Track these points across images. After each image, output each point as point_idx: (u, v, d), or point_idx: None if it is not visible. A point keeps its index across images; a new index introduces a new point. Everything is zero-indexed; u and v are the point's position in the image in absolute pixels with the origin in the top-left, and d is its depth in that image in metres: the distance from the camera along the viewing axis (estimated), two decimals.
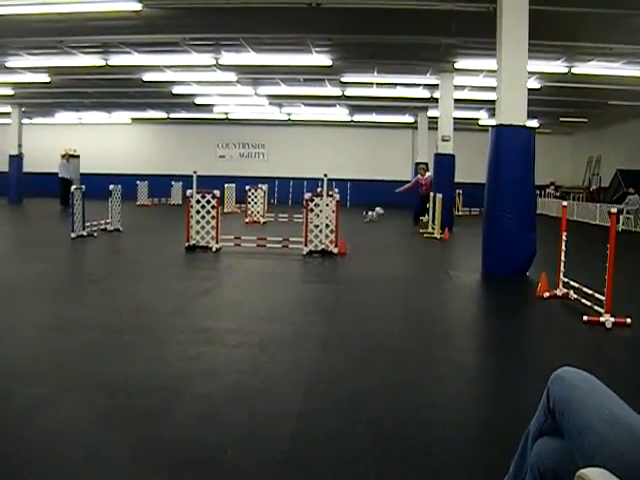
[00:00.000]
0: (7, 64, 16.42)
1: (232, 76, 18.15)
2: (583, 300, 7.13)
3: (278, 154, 31.24)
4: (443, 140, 18.23)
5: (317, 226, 11.81)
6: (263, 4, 11.18)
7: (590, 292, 7.09)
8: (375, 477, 3.00)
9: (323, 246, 11.65)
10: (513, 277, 9.34)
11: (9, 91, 21.38)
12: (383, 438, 3.47)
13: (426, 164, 22.83)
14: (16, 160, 26.15)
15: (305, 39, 13.79)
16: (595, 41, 12.86)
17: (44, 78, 18.30)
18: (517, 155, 9.44)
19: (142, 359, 4.87)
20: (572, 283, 7.67)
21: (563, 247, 7.77)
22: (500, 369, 5.05)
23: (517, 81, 9.57)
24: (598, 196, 25.62)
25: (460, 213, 24.37)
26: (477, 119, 25.29)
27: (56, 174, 23.67)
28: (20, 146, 26.26)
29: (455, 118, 18.72)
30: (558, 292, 7.74)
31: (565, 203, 8.78)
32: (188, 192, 11.98)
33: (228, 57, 15.48)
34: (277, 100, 23.83)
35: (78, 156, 30.30)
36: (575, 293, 7.52)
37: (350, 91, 20.59)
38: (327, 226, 11.74)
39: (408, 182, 20.13)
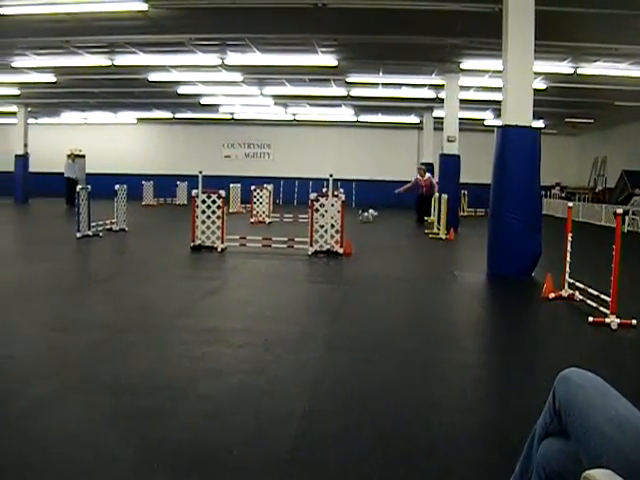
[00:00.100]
0: (13, 64, 16.46)
1: (238, 76, 18.17)
2: (588, 301, 7.11)
3: (283, 154, 31.24)
4: (448, 140, 18.22)
5: (322, 226, 11.80)
6: (269, 4, 11.18)
7: (596, 293, 7.08)
8: (379, 477, 3.01)
9: (328, 246, 11.64)
10: (518, 278, 9.32)
11: (15, 91, 21.43)
12: (388, 438, 3.47)
13: (431, 164, 22.88)
14: (22, 160, 26.18)
15: (311, 39, 13.79)
16: (601, 42, 12.84)
17: (50, 78, 18.35)
18: (523, 156, 9.42)
19: (147, 359, 4.88)
20: (578, 284, 7.65)
21: (569, 248, 7.75)
22: (505, 370, 5.05)
23: (523, 82, 9.55)
24: (604, 197, 25.55)
25: (465, 213, 24.30)
26: (482, 120, 25.25)
27: (62, 174, 23.76)
28: (26, 146, 26.31)
29: (460, 118, 18.71)
30: (563, 293, 7.72)
31: (571, 204, 8.75)
32: (194, 192, 11.98)
33: (234, 57, 15.49)
34: (283, 100, 23.84)
35: (84, 156, 30.31)
36: (581, 294, 7.50)
37: (355, 91, 20.59)
38: (332, 226, 11.73)
39: (409, 182, 20.08)
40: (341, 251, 11.53)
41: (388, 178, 27.89)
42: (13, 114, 26.22)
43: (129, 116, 29.39)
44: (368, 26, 12.48)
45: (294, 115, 27.87)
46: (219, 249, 11.63)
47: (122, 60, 15.80)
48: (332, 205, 11.79)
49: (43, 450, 3.17)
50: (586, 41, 12.85)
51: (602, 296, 6.81)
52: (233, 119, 28.90)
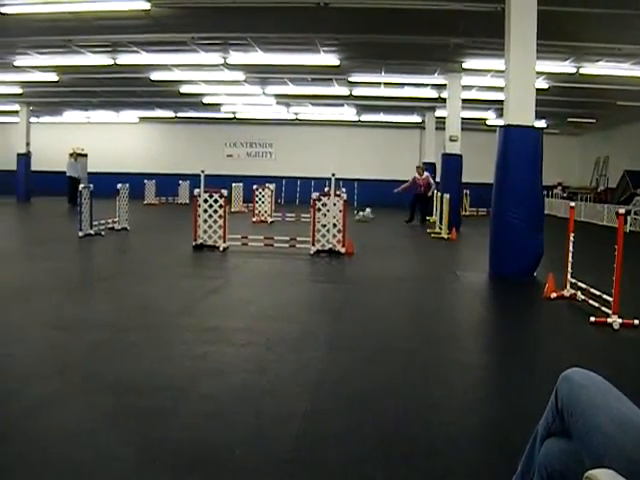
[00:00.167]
0: (15, 63, 16.46)
1: (240, 75, 18.15)
2: (590, 301, 7.11)
3: (285, 154, 31.23)
4: (451, 140, 18.20)
5: (324, 226, 11.80)
6: (271, 4, 11.17)
7: (597, 293, 7.07)
8: (381, 477, 3.00)
9: (330, 246, 11.65)
10: (520, 278, 9.31)
11: (17, 90, 21.43)
12: (389, 438, 3.47)
13: (433, 164, 22.86)
14: (24, 159, 26.19)
15: (313, 39, 13.79)
16: (604, 41, 12.81)
17: (52, 77, 18.34)
18: (525, 155, 9.41)
19: (149, 358, 4.88)
20: (579, 284, 7.65)
21: (571, 248, 7.75)
22: (507, 369, 5.04)
23: (525, 81, 9.54)
24: (606, 197, 25.52)
25: (467, 213, 24.31)
26: (485, 119, 25.22)
27: (64, 173, 23.81)
28: (28, 145, 26.31)
29: (463, 118, 18.69)
30: (565, 293, 7.72)
31: (573, 204, 8.76)
32: (196, 191, 11.99)
33: (236, 56, 15.48)
34: (285, 100, 23.81)
35: (86, 155, 30.31)
36: (582, 294, 7.50)
37: (358, 91, 20.56)
38: (334, 226, 11.73)
39: (406, 181, 20.03)
40: (343, 250, 11.53)
41: (390, 177, 27.85)
42: (15, 113, 26.22)
43: (131, 115, 29.38)
44: (370, 25, 12.47)
45: (296, 114, 27.85)
46: (221, 248, 11.63)
47: (124, 59, 15.79)
48: (334, 204, 11.79)
49: (43, 450, 3.17)
50: (588, 41, 12.83)
51: (604, 296, 6.80)
52: (235, 118, 28.89)
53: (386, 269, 10.21)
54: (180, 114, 28.11)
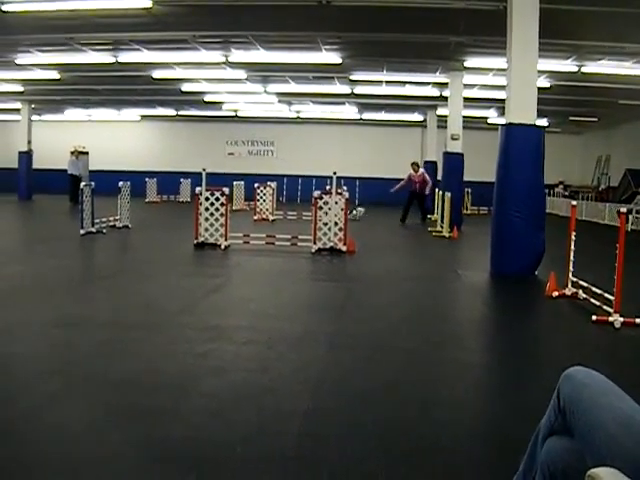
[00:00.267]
0: (17, 61, 16.47)
1: (241, 74, 18.15)
2: (592, 300, 7.10)
3: (287, 152, 31.21)
4: (452, 139, 18.18)
5: (326, 224, 11.80)
6: (272, 2, 11.18)
7: (599, 292, 7.07)
8: (382, 475, 3.00)
9: (332, 244, 11.65)
10: (522, 276, 9.31)
11: (19, 88, 21.44)
12: (390, 437, 3.47)
13: (434, 162, 22.87)
14: (25, 156, 26.18)
15: (315, 37, 13.78)
16: (606, 40, 12.79)
17: (54, 75, 18.35)
18: (526, 154, 9.40)
19: (150, 356, 4.88)
20: (581, 282, 7.65)
21: (572, 246, 7.75)
22: (508, 368, 5.04)
23: (527, 80, 9.53)
24: (607, 195, 25.50)
25: (469, 212, 24.33)
26: (486, 118, 25.21)
27: (65, 171, 23.81)
28: (29, 143, 26.30)
29: (464, 117, 18.65)
30: (567, 291, 7.72)
31: (574, 202, 8.75)
32: (197, 189, 11.99)
33: (237, 55, 15.48)
34: (286, 98, 23.82)
35: (87, 153, 30.37)
36: (584, 292, 7.49)
37: (359, 89, 20.55)
38: (336, 224, 11.73)
39: (402, 180, 19.95)
40: (344, 249, 11.53)
41: (392, 176, 27.82)
42: (17, 111, 26.23)
43: (133, 113, 29.39)
44: (372, 23, 12.46)
45: (298, 113, 27.85)
46: (222, 246, 11.64)
47: (126, 57, 15.80)
48: (336, 203, 11.79)
49: (46, 449, 3.17)
50: (591, 39, 12.82)
51: (606, 295, 6.80)
52: (237, 116, 28.88)
53: (387, 267, 10.21)
54: (181, 112, 28.14)
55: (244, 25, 12.83)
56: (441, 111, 23.20)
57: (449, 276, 9.70)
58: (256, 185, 18.88)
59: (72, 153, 24.97)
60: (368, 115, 27.60)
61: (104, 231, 13.63)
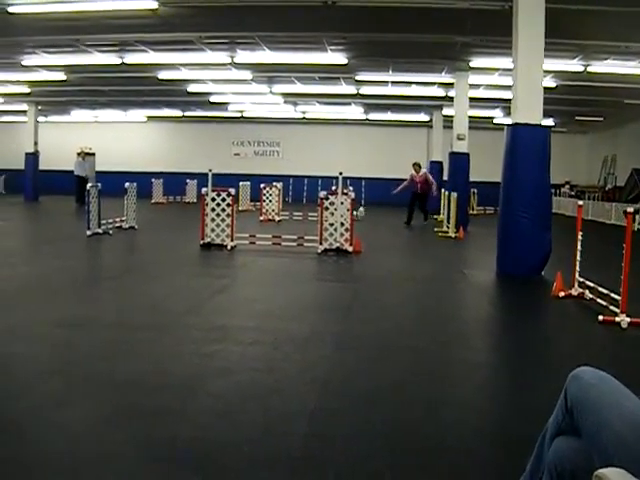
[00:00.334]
0: (24, 62, 16.53)
1: (247, 74, 18.19)
2: (599, 300, 7.08)
3: (293, 152, 31.23)
4: (458, 139, 18.17)
5: (332, 224, 11.79)
6: (278, 2, 11.19)
7: (606, 292, 7.05)
8: (389, 475, 3.00)
9: (338, 244, 11.65)
10: (528, 276, 9.29)
11: (25, 89, 21.53)
12: (397, 437, 3.47)
13: (440, 163, 22.84)
14: (32, 158, 26.28)
15: (320, 37, 13.79)
16: (612, 40, 12.77)
17: (60, 76, 18.42)
18: (532, 154, 9.39)
19: (156, 357, 4.89)
20: (588, 283, 7.63)
21: (578, 246, 7.73)
22: (515, 368, 5.04)
23: (533, 80, 9.52)
24: (613, 195, 25.45)
25: (475, 212, 24.29)
26: (492, 118, 25.18)
27: (72, 172, 23.84)
28: (36, 144, 26.39)
29: (470, 117, 18.66)
30: (573, 292, 7.70)
31: (580, 202, 8.74)
32: (203, 190, 12.00)
33: (243, 55, 15.51)
34: (292, 98, 23.84)
35: (94, 154, 30.46)
36: (591, 293, 7.47)
37: (365, 89, 20.56)
38: (342, 224, 11.73)
39: (404, 180, 19.88)
40: (350, 249, 11.53)
41: (398, 176, 27.78)
42: (23, 112, 26.35)
43: (139, 114, 29.47)
44: (378, 24, 12.47)
45: (303, 113, 27.87)
46: (229, 247, 11.65)
47: (132, 58, 15.85)
48: (342, 203, 11.79)
49: (49, 449, 3.18)
50: (596, 39, 12.79)
51: (612, 295, 6.78)
52: (242, 117, 28.92)
53: (393, 268, 10.21)
54: (187, 113, 28.19)
55: (250, 26, 12.85)
56: (447, 111, 23.20)
57: (455, 276, 9.69)
58: (262, 186, 18.91)
59: (79, 154, 25.06)
60: (374, 115, 27.60)
61: (110, 232, 13.65)
